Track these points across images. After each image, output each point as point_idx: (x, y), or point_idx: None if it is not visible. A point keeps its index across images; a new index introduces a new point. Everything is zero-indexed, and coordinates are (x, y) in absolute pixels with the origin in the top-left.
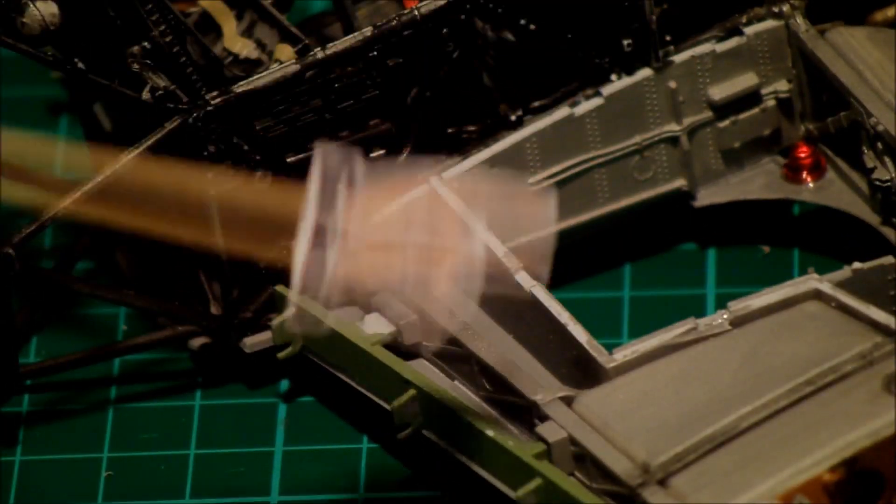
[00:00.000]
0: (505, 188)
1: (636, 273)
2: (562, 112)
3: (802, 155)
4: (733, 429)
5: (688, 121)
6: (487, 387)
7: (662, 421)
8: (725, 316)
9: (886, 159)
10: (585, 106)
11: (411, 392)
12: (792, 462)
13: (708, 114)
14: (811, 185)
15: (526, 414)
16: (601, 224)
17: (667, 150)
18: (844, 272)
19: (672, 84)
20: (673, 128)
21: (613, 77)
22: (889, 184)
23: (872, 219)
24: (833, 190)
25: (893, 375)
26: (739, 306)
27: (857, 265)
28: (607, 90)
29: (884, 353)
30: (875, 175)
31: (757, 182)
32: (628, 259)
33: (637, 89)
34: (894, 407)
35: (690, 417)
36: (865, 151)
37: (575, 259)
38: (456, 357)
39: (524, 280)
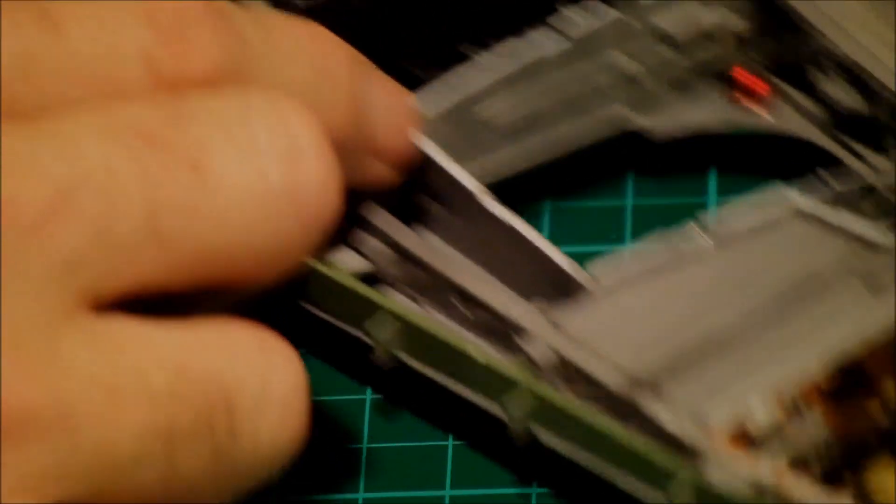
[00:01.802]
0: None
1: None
2: (520, 47)
3: (750, 82)
4: (722, 338)
5: (640, 53)
6: (465, 312)
7: (650, 334)
8: (703, 234)
9: (837, 80)
10: (541, 41)
11: (392, 319)
12: (785, 366)
13: (660, 45)
14: (760, 111)
15: (508, 335)
16: (553, 157)
17: (620, 83)
18: (816, 185)
19: (624, 16)
20: (625, 60)
21: (568, 12)
22: (841, 106)
23: (823, 141)
24: (783, 115)
25: (876, 280)
26: (716, 224)
27: (827, 178)
28: (563, 25)
29: (864, 260)
30: (827, 97)
31: (706, 110)
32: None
33: (592, 23)
34: (880, 308)
35: (678, 330)
36: (817, 75)
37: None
38: (430, 286)
39: (496, 208)
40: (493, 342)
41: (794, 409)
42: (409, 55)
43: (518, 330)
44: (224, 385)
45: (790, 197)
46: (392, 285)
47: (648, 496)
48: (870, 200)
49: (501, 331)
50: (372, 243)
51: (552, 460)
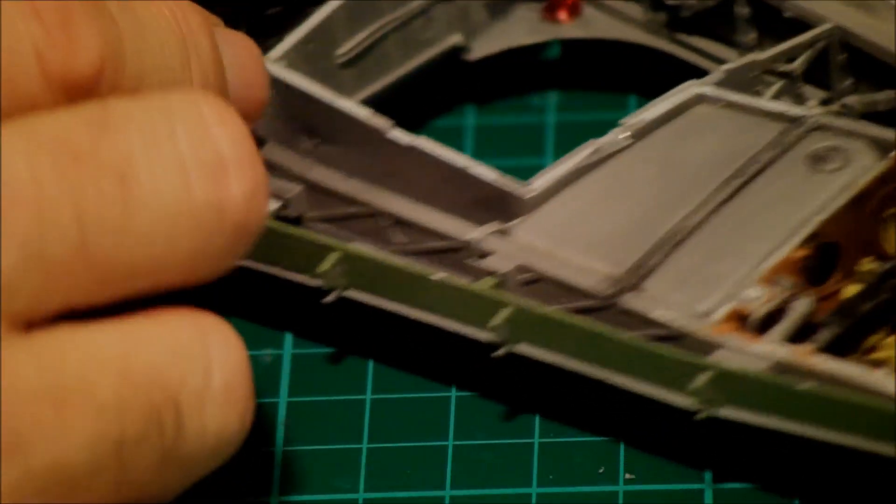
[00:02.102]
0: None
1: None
2: None
3: None
4: (683, 229)
5: None
6: (400, 240)
7: (608, 235)
8: (623, 132)
9: None
10: None
11: (335, 255)
12: (760, 247)
13: None
14: (572, 22)
15: (452, 257)
16: (395, 88)
17: (443, 7)
18: (717, 74)
19: None
20: None
21: None
22: (687, 5)
23: (648, 39)
24: (598, 23)
25: (814, 155)
26: (633, 121)
27: (726, 66)
28: None
29: (795, 137)
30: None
31: (521, 29)
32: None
33: None
34: (828, 180)
35: (635, 227)
36: None
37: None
38: (351, 217)
39: (401, 137)
40: (439, 268)
41: (783, 291)
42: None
43: (465, 249)
44: (168, 383)
45: (694, 88)
46: (299, 222)
47: (669, 399)
48: (764, 84)
49: (443, 252)
50: (278, 183)
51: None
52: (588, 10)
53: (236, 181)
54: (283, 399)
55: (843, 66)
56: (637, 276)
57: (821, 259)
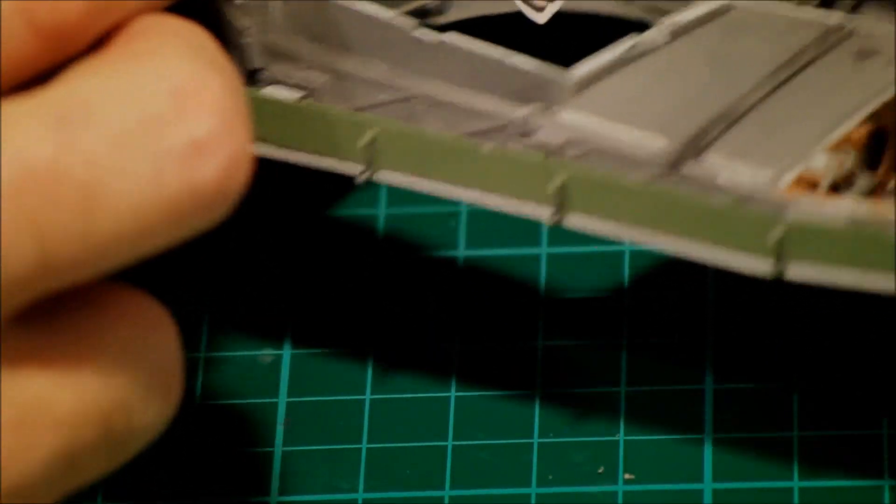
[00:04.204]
0: None
1: None
2: None
3: None
4: (738, 108)
5: None
6: (437, 124)
7: (660, 113)
8: (661, 31)
9: None
10: None
11: (371, 132)
12: (819, 125)
13: None
14: None
15: (495, 137)
16: None
17: None
18: None
19: None
20: None
21: None
22: None
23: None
24: None
25: (859, 51)
26: (669, 21)
27: None
28: None
29: (838, 39)
30: None
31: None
32: None
33: None
34: (883, 72)
35: (688, 107)
36: None
37: None
38: (382, 105)
39: (427, 34)
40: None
41: (849, 162)
42: None
43: (516, 127)
44: (118, 389)
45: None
46: None
47: (739, 263)
48: None
49: (490, 134)
50: (301, 73)
51: None
52: None
53: (213, 158)
54: (282, 399)
55: None
56: (695, 149)
57: (878, 141)
